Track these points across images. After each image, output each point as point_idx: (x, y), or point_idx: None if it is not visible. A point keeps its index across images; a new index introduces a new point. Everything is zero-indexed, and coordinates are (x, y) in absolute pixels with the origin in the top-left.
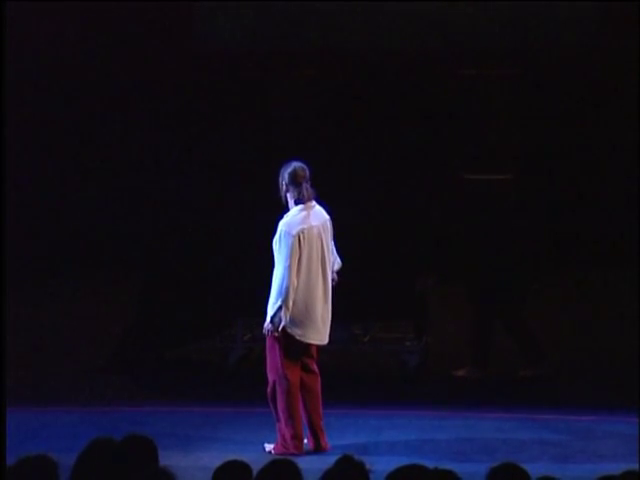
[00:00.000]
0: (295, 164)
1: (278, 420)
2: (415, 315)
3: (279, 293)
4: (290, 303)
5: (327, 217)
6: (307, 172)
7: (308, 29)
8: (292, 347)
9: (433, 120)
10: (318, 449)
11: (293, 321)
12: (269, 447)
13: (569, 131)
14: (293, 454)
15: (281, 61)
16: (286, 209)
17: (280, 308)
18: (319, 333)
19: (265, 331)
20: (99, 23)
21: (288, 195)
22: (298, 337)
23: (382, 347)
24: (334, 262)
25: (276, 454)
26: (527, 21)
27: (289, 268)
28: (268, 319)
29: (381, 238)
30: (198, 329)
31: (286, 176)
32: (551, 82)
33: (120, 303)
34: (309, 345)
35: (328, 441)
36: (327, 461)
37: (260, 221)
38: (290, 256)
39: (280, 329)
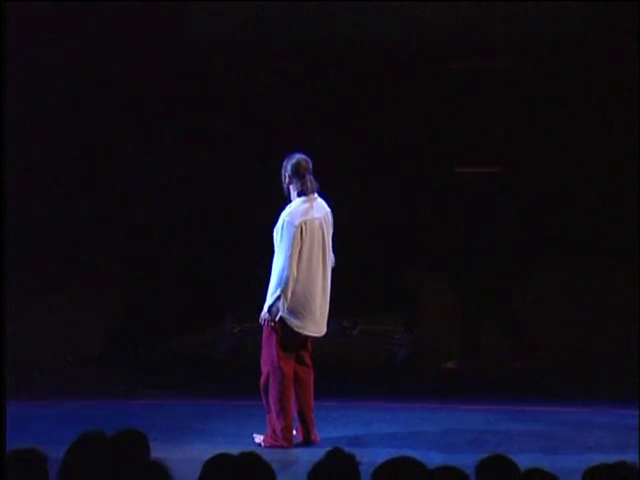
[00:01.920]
0: (298, 156)
1: (269, 412)
2: (404, 308)
3: (279, 283)
4: (289, 293)
5: (328, 210)
6: (310, 164)
7: (297, 22)
8: (289, 339)
9: (422, 113)
10: (308, 441)
11: (292, 312)
12: (258, 439)
13: (560, 124)
14: (282, 446)
15: (269, 55)
16: (288, 201)
17: (279, 298)
18: (317, 325)
19: (262, 320)
20: (85, 17)
21: (291, 187)
22: (296, 329)
23: (371, 340)
24: None
25: (266, 446)
26: (516, 15)
27: (290, 258)
28: (265, 308)
29: (370, 231)
30: (188, 322)
31: (289, 168)
32: (541, 76)
33: (109, 296)
34: (306, 337)
35: (318, 433)
36: (317, 453)
37: (251, 214)
38: (292, 247)
39: (278, 320)
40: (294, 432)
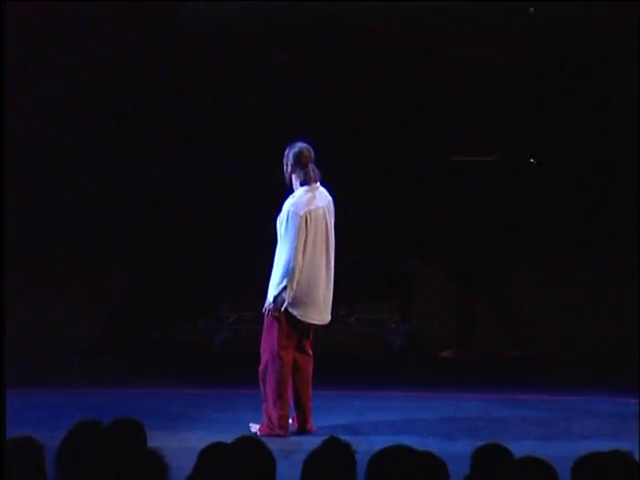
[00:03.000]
0: (300, 145)
1: (265, 400)
2: (400, 296)
3: (284, 273)
4: (295, 284)
5: (330, 199)
6: (312, 153)
7: (291, 10)
8: (292, 327)
9: (418, 101)
10: (304, 430)
11: (295, 301)
12: (255, 428)
13: (557, 112)
14: (278, 435)
15: (268, 44)
16: (290, 190)
17: (285, 288)
18: (320, 313)
19: (265, 310)
20: (81, 9)
21: (293, 176)
22: (300, 317)
23: (367, 328)
24: None
25: (261, 435)
26: (512, 2)
27: (296, 249)
28: (270, 299)
29: (367, 220)
30: (184, 311)
31: (291, 157)
32: (538, 64)
33: (106, 285)
34: (309, 326)
35: (314, 422)
36: (313, 442)
37: (247, 205)
38: (297, 237)
39: (282, 309)
40: (290, 421)
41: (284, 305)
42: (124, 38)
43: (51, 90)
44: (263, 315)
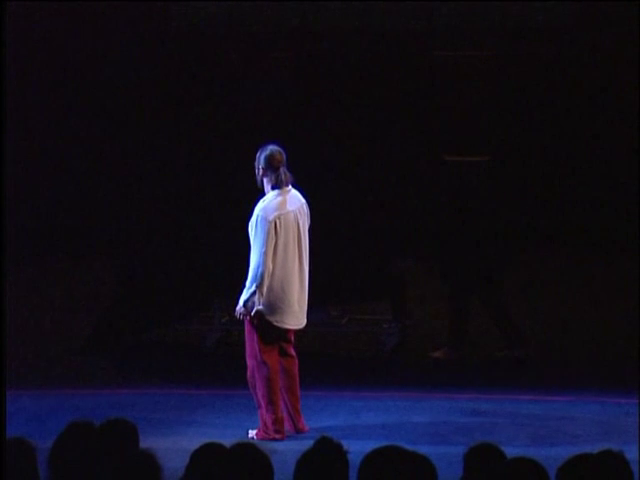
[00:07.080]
0: (272, 148)
1: (259, 406)
2: (392, 297)
3: (254, 278)
4: (265, 288)
5: (303, 201)
6: (284, 156)
7: (284, 10)
8: (270, 333)
9: (409, 102)
10: (296, 431)
11: (270, 307)
12: (252, 433)
13: (548, 112)
14: (274, 439)
15: (257, 42)
16: (262, 193)
17: (254, 293)
18: (296, 318)
19: (237, 314)
20: (72, 4)
21: (265, 180)
22: (275, 323)
23: (359, 329)
24: None
25: (258, 440)
26: (502, 2)
27: (265, 254)
28: (241, 302)
29: (358, 220)
30: (175, 311)
31: (262, 160)
32: (527, 63)
33: (98, 286)
34: (286, 330)
35: (306, 423)
36: (305, 443)
37: (237, 204)
38: (266, 242)
39: (257, 315)
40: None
41: (254, 309)
42: (116, 38)
43: (47, 90)
44: (236, 319)
